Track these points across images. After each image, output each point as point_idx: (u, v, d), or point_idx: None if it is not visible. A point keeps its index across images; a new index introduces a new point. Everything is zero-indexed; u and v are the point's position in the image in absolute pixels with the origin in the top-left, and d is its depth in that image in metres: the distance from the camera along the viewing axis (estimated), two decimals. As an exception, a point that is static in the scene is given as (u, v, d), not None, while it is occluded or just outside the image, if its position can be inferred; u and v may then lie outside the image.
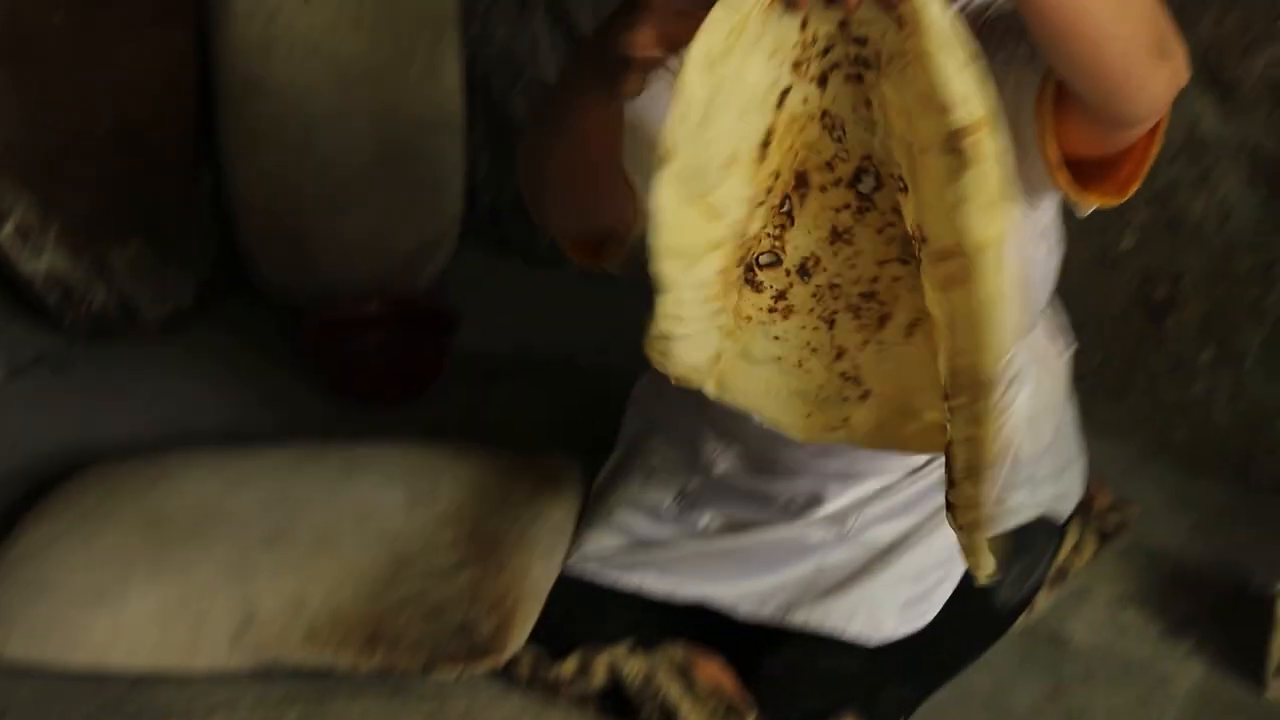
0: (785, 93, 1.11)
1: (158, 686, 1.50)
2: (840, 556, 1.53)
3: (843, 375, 1.23)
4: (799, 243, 1.18)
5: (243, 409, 2.09)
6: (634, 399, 1.78)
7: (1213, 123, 1.89)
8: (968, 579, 1.42)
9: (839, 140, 1.14)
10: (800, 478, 1.54)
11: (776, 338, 1.22)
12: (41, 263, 2.14)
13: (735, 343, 1.23)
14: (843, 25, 1.08)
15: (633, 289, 1.50)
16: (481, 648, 1.50)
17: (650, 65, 1.11)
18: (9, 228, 2.10)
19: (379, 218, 2.35)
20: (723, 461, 1.59)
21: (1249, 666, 1.55)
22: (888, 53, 1.08)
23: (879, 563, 1.52)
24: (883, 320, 1.22)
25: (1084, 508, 1.75)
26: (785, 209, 1.18)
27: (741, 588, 1.52)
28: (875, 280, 1.22)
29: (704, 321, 1.18)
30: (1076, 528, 1.72)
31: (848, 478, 1.53)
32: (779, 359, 1.23)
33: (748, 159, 1.12)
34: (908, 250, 1.17)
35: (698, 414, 1.59)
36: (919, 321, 1.21)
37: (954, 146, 1.04)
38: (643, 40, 1.08)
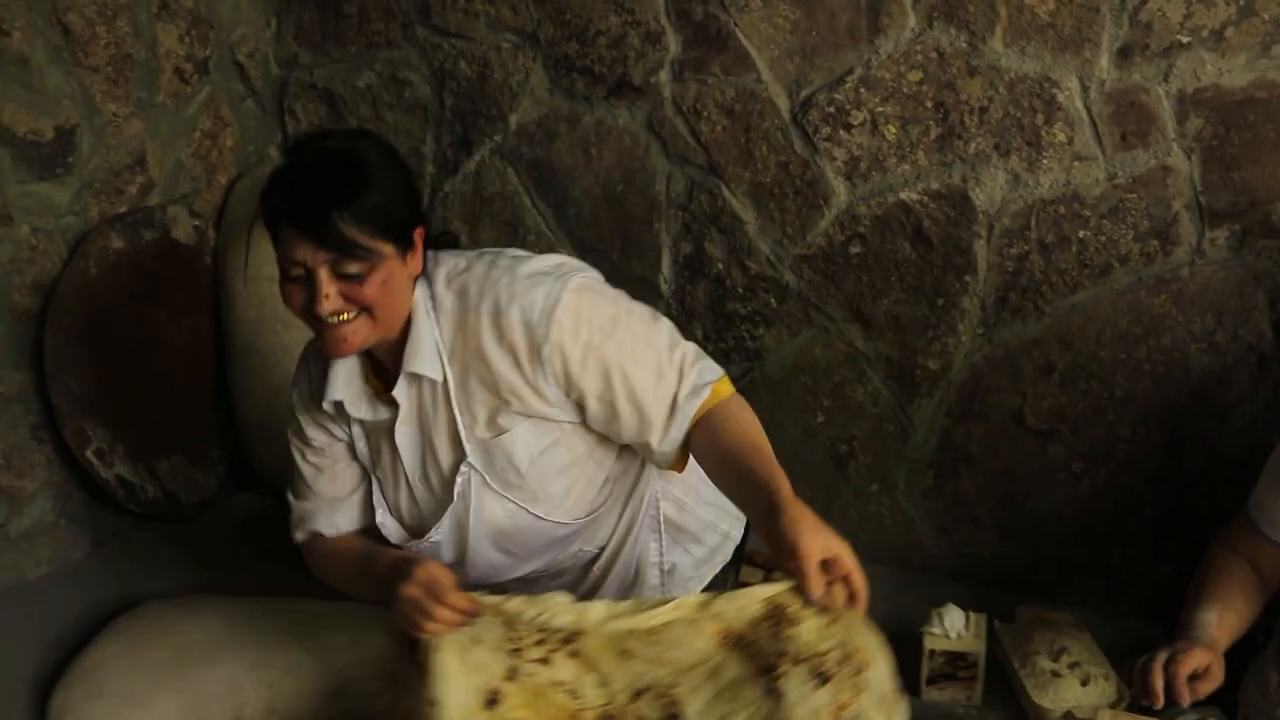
0: (513, 670, 1.30)
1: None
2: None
3: None
4: None
5: (245, 567, 2.33)
6: None
7: (861, 341, 2.35)
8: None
9: (577, 698, 1.34)
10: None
11: None
12: (113, 471, 2.40)
13: None
14: (541, 628, 1.30)
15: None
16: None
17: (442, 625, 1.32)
18: (91, 449, 2.35)
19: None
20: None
21: (912, 678, 1.90)
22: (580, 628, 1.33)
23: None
24: None
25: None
26: None
27: None
28: None
29: None
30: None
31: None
32: None
33: (477, 707, 1.29)
34: None
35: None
36: None
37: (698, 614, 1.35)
38: (444, 618, 1.30)
